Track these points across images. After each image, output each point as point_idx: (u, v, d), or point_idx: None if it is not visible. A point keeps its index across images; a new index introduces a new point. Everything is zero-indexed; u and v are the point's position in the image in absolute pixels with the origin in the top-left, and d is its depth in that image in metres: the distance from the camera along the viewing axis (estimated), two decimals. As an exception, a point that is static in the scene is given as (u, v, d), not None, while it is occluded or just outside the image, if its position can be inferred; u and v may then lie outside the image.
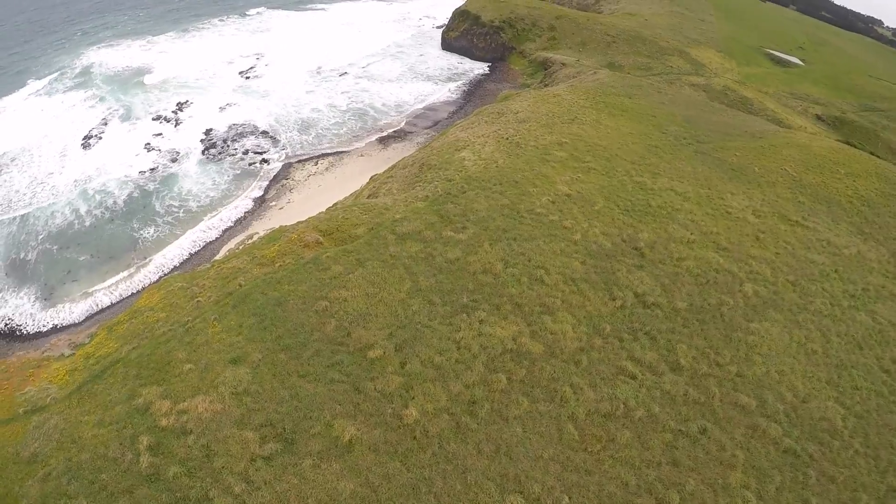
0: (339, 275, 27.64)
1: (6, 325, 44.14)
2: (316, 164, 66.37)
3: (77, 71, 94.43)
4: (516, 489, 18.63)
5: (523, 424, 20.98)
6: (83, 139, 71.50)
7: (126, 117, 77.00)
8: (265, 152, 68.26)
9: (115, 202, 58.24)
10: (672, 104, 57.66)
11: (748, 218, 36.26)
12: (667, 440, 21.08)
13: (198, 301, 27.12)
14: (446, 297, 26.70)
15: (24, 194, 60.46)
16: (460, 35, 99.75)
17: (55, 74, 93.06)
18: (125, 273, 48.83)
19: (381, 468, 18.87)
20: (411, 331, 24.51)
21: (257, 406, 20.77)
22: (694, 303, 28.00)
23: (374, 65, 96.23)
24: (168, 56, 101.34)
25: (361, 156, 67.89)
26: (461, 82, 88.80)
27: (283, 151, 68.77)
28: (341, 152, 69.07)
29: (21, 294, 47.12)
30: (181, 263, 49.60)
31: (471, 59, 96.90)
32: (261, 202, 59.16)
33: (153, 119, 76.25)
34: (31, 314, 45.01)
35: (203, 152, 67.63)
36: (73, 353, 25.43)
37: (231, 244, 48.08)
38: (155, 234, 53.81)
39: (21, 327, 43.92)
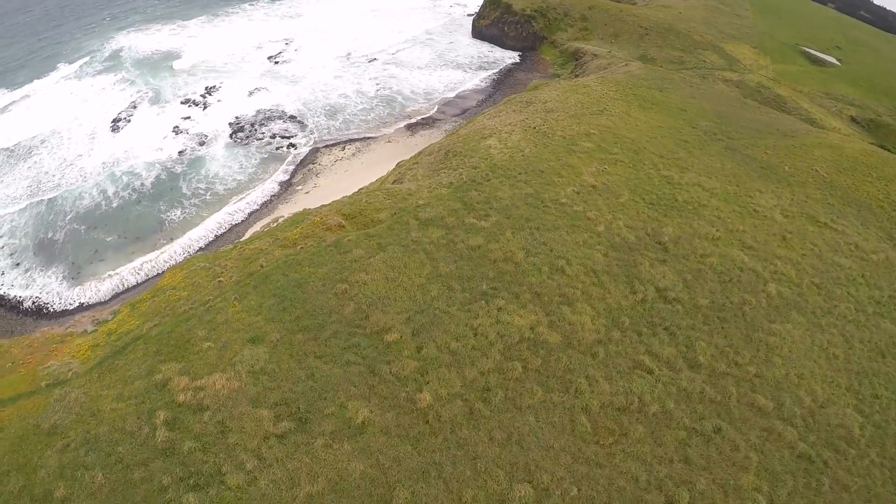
0: (359, 258, 27.85)
1: (34, 303, 45.14)
2: (343, 149, 66.54)
3: (107, 55, 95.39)
4: (525, 478, 18.63)
5: (536, 414, 20.94)
6: (112, 122, 72.48)
7: (155, 101, 77.90)
8: (292, 137, 68.66)
9: (142, 184, 59.10)
10: (704, 99, 56.53)
11: (776, 217, 35.51)
12: (680, 437, 20.86)
13: (219, 281, 27.57)
14: (466, 283, 26.74)
15: (54, 175, 61.50)
16: (491, 23, 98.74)
17: (85, 59, 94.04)
18: (152, 254, 49.58)
19: (392, 450, 19.05)
20: (429, 316, 24.61)
21: (273, 385, 21.10)
22: (716, 300, 27.58)
23: (403, 51, 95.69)
24: (197, 40, 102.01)
25: (388, 142, 67.92)
26: (491, 71, 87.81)
27: (311, 136, 69.01)
28: (368, 138, 69.13)
29: (49, 273, 48.09)
30: (207, 245, 50.30)
31: (501, 47, 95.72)
32: (287, 186, 59.53)
33: (182, 103, 77.01)
34: (57, 293, 45.93)
35: (231, 136, 68.25)
36: (96, 330, 26.08)
37: (256, 227, 48.69)
38: (181, 216, 54.57)
39: (48, 305, 44.87)
